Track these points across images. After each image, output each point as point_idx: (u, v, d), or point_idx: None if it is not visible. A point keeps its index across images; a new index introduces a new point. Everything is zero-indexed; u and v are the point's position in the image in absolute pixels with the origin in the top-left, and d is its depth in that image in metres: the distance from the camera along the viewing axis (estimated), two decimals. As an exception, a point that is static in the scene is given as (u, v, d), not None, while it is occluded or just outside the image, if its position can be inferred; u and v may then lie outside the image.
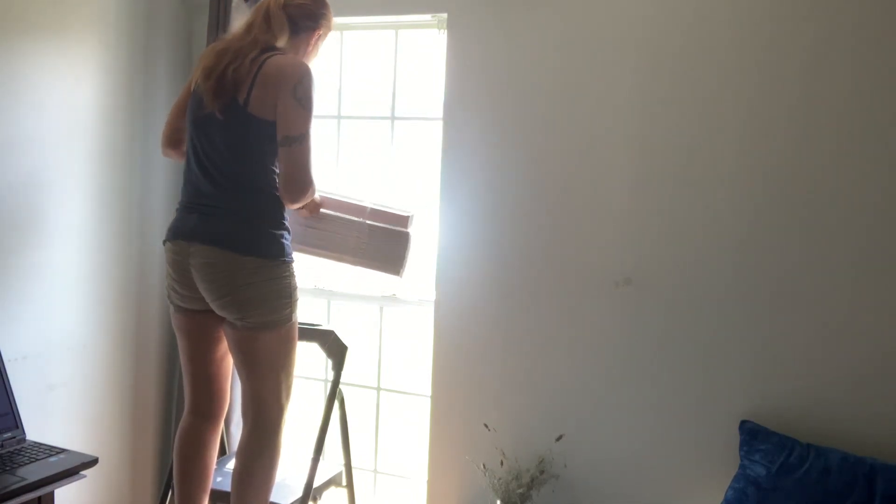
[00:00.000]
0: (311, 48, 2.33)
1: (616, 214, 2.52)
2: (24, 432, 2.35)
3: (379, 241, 2.45)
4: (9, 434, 2.31)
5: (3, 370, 2.35)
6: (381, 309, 3.03)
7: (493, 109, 2.65)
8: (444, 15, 2.68)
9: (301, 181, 2.17)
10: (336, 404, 2.54)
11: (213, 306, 2.21)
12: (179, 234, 2.22)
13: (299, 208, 2.36)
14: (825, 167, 2.30)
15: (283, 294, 2.20)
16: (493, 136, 2.65)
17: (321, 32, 2.32)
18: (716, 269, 2.42)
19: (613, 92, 2.50)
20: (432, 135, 2.84)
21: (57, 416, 2.67)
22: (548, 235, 2.60)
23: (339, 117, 3.06)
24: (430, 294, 2.80)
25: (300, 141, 2.15)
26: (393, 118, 2.97)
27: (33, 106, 2.53)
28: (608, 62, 2.50)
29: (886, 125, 2.23)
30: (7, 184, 2.46)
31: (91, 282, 2.77)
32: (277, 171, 2.22)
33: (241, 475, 2.24)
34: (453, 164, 2.72)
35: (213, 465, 2.38)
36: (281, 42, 2.23)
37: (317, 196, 2.42)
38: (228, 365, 2.38)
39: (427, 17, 2.74)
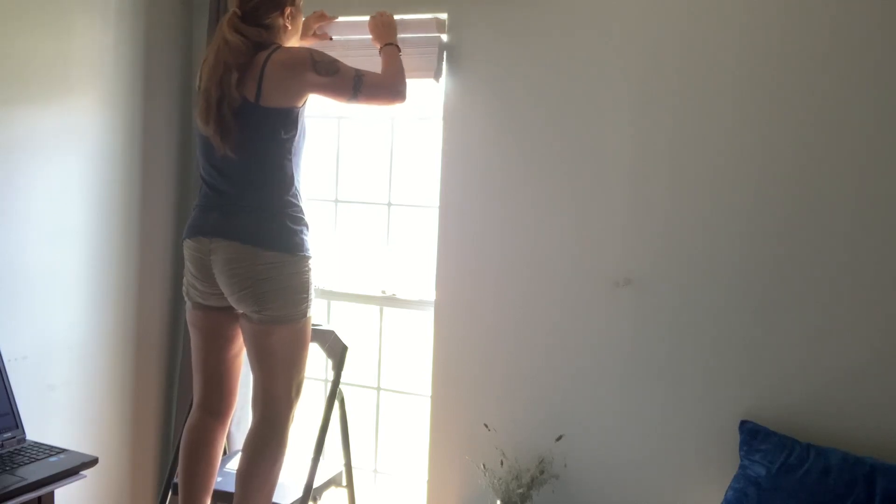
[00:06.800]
0: (287, 29, 2.33)
1: (616, 214, 2.52)
2: (24, 432, 2.35)
3: (413, 52, 2.55)
4: (9, 434, 2.31)
5: (3, 370, 2.35)
6: (381, 309, 3.03)
7: (492, 109, 2.65)
8: (444, 15, 2.68)
9: (395, 92, 2.33)
10: (336, 404, 2.55)
11: (231, 300, 2.25)
12: (200, 230, 2.25)
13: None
14: (825, 167, 2.30)
15: (301, 289, 2.25)
16: (493, 135, 2.65)
17: (289, 10, 2.31)
18: (716, 269, 2.42)
19: (614, 92, 2.50)
20: (432, 136, 2.84)
21: (57, 416, 2.67)
22: (548, 235, 2.60)
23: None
24: (430, 294, 2.80)
25: (359, 82, 2.27)
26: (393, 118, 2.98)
27: (33, 103, 2.53)
28: (609, 62, 2.50)
29: (887, 126, 2.23)
30: (7, 183, 2.46)
31: (91, 282, 2.78)
32: (294, 161, 2.27)
33: (245, 467, 2.26)
34: (453, 163, 2.72)
35: (218, 463, 2.39)
36: (249, 56, 2.22)
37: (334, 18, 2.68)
38: (240, 364, 2.41)
39: (427, 17, 2.73)
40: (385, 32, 2.50)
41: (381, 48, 2.46)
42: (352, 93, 2.28)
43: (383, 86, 2.32)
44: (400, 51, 2.45)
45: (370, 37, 2.57)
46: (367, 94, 2.29)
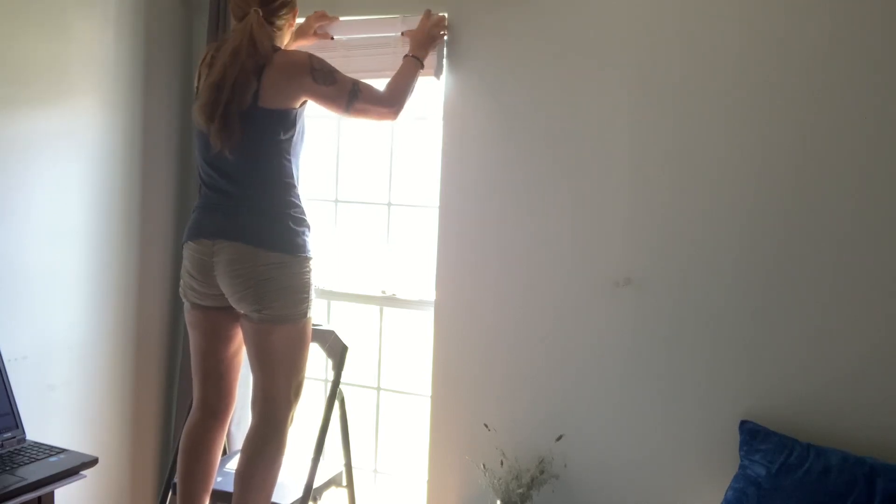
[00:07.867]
0: (289, 29, 2.37)
1: (616, 214, 2.52)
2: (24, 432, 2.36)
3: None
4: (9, 434, 2.31)
5: (3, 370, 2.35)
6: (381, 309, 3.03)
7: (492, 109, 2.65)
8: (444, 15, 2.68)
9: (387, 112, 2.34)
10: (336, 404, 2.55)
11: (232, 301, 2.25)
12: (202, 233, 2.26)
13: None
14: (825, 167, 2.29)
15: (302, 289, 2.26)
16: (494, 135, 2.65)
17: (297, 10, 2.36)
18: (716, 269, 2.42)
19: (614, 91, 2.50)
20: (432, 136, 2.84)
21: (57, 416, 2.67)
22: (548, 235, 2.60)
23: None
24: (430, 294, 2.80)
25: (354, 95, 2.27)
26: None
27: (33, 103, 2.53)
28: (609, 61, 2.50)
29: (887, 126, 2.23)
30: (7, 183, 2.46)
31: (91, 282, 2.78)
32: (294, 162, 2.28)
33: (244, 467, 2.27)
34: (453, 163, 2.72)
35: (217, 463, 2.40)
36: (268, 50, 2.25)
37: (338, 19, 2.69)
38: (239, 363, 2.42)
39: (427, 16, 2.74)
40: (422, 42, 2.51)
41: (407, 55, 2.47)
42: (346, 105, 2.30)
43: (378, 104, 2.33)
44: (423, 67, 2.46)
45: (373, 35, 2.57)
46: (360, 110, 2.32)
